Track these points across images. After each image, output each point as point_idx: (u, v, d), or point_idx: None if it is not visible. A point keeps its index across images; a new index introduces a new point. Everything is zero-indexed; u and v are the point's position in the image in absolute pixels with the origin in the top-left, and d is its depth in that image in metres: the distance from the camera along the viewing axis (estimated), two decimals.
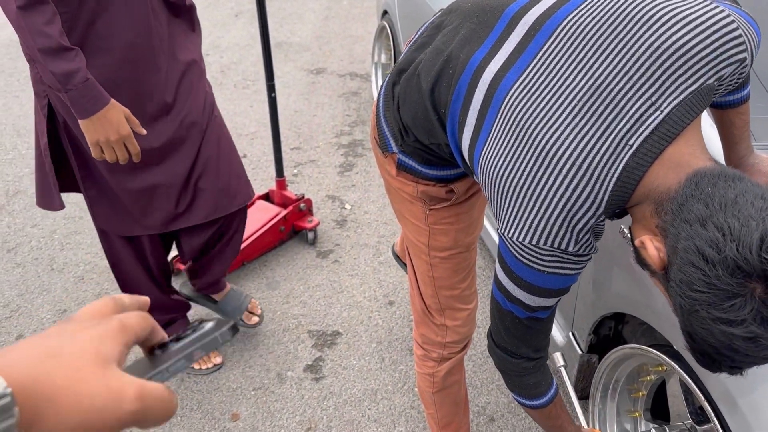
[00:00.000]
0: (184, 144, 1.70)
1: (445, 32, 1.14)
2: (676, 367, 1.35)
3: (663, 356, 1.39)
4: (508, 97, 0.97)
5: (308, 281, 2.52)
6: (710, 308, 0.76)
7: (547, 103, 0.93)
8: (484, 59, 1.03)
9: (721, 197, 0.78)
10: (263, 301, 2.40)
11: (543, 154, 0.92)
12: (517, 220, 0.96)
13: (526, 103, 0.95)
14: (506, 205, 0.98)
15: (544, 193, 0.92)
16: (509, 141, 0.96)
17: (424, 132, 1.17)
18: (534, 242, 0.95)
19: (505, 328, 1.11)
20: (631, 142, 0.88)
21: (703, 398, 1.27)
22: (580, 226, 0.93)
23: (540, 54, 0.96)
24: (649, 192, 0.88)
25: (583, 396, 1.82)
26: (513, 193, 0.96)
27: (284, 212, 2.67)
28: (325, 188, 3.12)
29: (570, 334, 1.80)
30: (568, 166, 0.90)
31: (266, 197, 2.78)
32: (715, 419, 1.25)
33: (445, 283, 1.39)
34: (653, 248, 0.85)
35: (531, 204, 0.94)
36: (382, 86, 1.33)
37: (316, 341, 2.23)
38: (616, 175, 0.89)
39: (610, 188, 0.90)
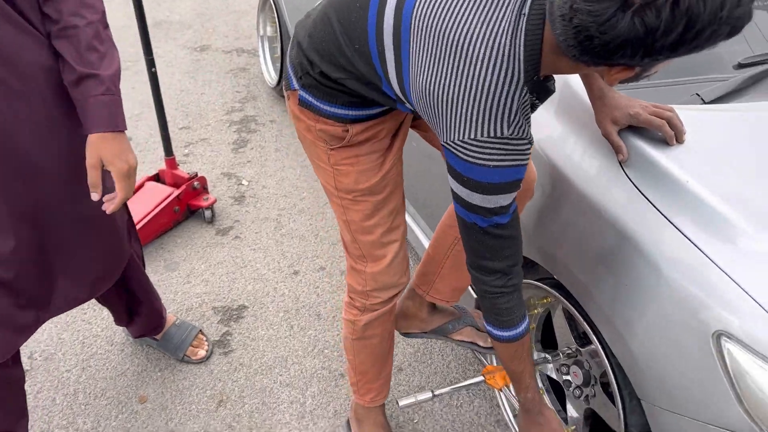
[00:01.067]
0: None
1: None
2: (560, 296, 1.46)
3: (548, 288, 1.50)
4: (414, 19, 1.05)
5: (209, 259, 2.48)
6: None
7: (446, 7, 1.02)
8: None
9: None
10: (162, 284, 2.35)
11: (458, 51, 1.00)
12: (454, 122, 1.03)
13: (429, 15, 1.04)
14: (442, 114, 1.04)
15: (470, 85, 1.00)
16: (427, 56, 1.04)
17: (334, 67, 1.22)
18: (473, 136, 1.01)
19: (473, 243, 1.16)
20: (524, 11, 0.98)
21: (584, 323, 1.40)
22: (509, 105, 1.00)
23: None
24: (553, 46, 0.97)
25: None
26: (445, 100, 1.03)
27: (177, 192, 2.60)
28: (219, 166, 3.06)
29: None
30: (482, 52, 0.98)
31: (156, 178, 2.70)
32: (596, 340, 1.37)
33: (359, 226, 1.42)
34: (615, 71, 0.93)
35: (462, 101, 1.01)
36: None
37: (222, 317, 2.21)
38: (522, 43, 0.98)
39: (522, 57, 0.98)
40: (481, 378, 1.54)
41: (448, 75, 1.02)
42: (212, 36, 4.48)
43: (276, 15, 3.35)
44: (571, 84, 1.43)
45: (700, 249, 1.14)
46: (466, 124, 1.02)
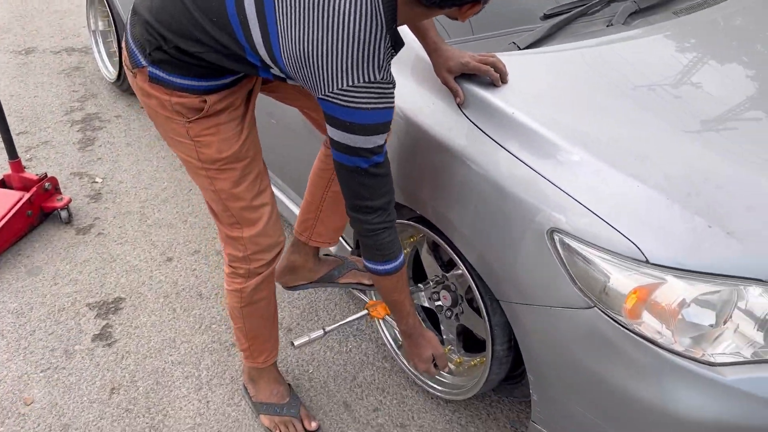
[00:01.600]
0: None
1: None
2: (426, 230, 1.65)
3: (416, 224, 1.69)
4: None
5: (74, 259, 2.41)
6: None
7: None
8: None
9: None
10: (27, 289, 2.25)
11: (324, 7, 1.12)
12: (330, 75, 1.14)
13: None
14: (318, 69, 1.15)
15: (340, 37, 1.12)
16: (295, 18, 1.14)
17: (191, 42, 1.26)
18: (350, 83, 1.14)
19: (355, 186, 1.26)
20: None
21: (449, 248, 1.60)
22: (377, 51, 1.14)
23: None
24: None
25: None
26: (318, 55, 1.13)
27: (28, 195, 2.49)
28: (68, 167, 2.94)
29: (340, 237, 2.04)
30: (347, 5, 1.11)
31: (2, 184, 2.55)
32: (459, 261, 1.58)
33: (230, 194, 1.48)
34: (466, 8, 1.12)
35: (335, 52, 1.12)
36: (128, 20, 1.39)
37: (98, 311, 2.18)
38: None
39: (381, 7, 1.12)
40: (365, 312, 1.70)
41: (319, 31, 1.13)
42: (36, 38, 4.21)
43: (108, 8, 3.25)
44: (412, 46, 1.60)
45: (529, 166, 1.38)
46: (341, 73, 1.14)
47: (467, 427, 1.78)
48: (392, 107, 1.22)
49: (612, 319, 1.28)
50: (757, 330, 1.25)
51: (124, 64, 1.44)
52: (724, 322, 1.26)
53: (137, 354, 2.03)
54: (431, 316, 1.95)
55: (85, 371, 1.96)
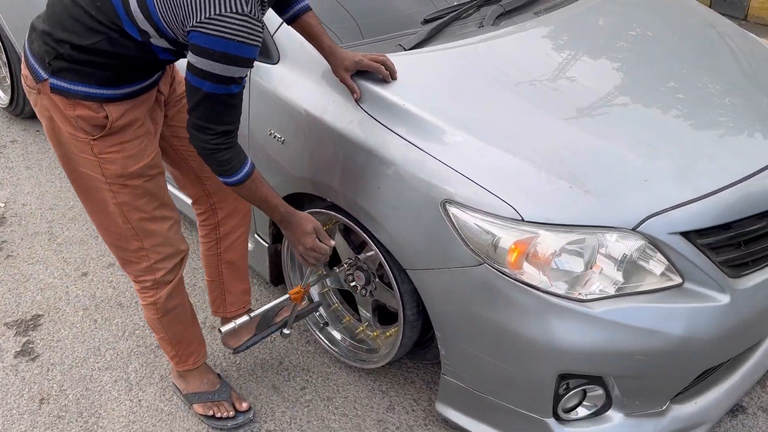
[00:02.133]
0: None
1: None
2: (339, 215, 1.82)
3: (329, 212, 1.85)
4: None
5: None
6: None
7: None
8: None
9: None
10: None
11: None
12: (200, 4, 1.26)
13: None
14: (188, 2, 1.26)
15: None
16: None
17: (85, 33, 1.37)
18: (218, 12, 1.25)
19: (204, 110, 1.35)
20: None
21: (360, 230, 1.77)
22: None
23: None
24: None
25: (280, 281, 2.22)
26: None
27: None
28: None
29: (255, 235, 2.18)
30: None
31: None
32: (372, 243, 1.76)
33: (132, 207, 1.56)
34: None
35: None
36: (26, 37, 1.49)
37: (17, 330, 2.19)
38: None
39: None
40: (287, 296, 1.84)
41: None
42: None
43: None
44: (310, 51, 1.76)
45: (420, 148, 1.59)
46: (210, 2, 1.25)
47: (388, 392, 1.97)
48: (257, 45, 1.32)
49: (499, 271, 1.50)
50: (617, 270, 1.51)
51: (24, 85, 1.51)
52: (592, 267, 1.52)
53: (62, 365, 2.06)
54: (348, 298, 2.12)
55: (11, 386, 1.97)
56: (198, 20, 1.27)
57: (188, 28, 1.29)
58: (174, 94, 1.69)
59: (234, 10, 1.26)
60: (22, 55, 1.49)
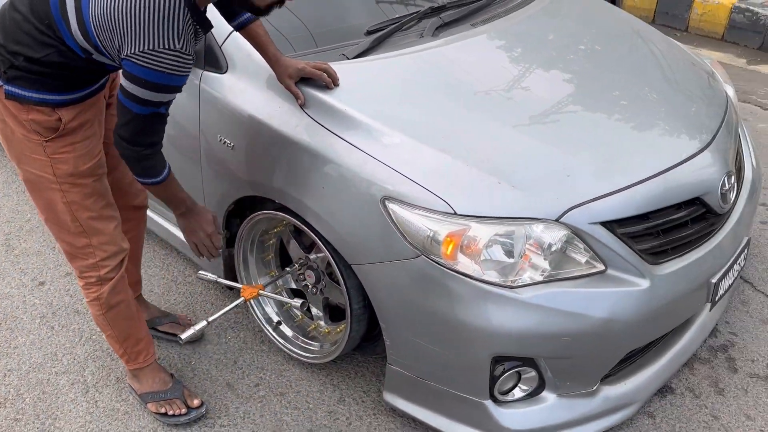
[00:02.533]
0: None
1: None
2: (288, 216, 1.90)
3: (279, 212, 1.93)
4: None
5: None
6: None
7: None
8: None
9: None
10: None
11: None
12: (132, 38, 1.35)
13: None
14: (123, 34, 1.36)
15: (141, 7, 1.34)
16: None
17: (36, 46, 1.47)
18: (148, 47, 1.35)
19: (133, 126, 1.46)
20: None
21: (308, 230, 1.86)
22: (176, 23, 1.36)
23: None
24: None
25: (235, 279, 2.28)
26: (120, 18, 1.36)
27: None
28: None
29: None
30: None
31: None
32: (321, 243, 1.84)
33: (81, 206, 1.65)
34: None
35: (137, 19, 1.34)
36: None
37: None
38: None
39: None
40: (242, 298, 1.91)
41: (123, 3, 1.35)
42: None
43: None
44: (257, 61, 1.86)
45: (361, 149, 1.69)
46: (142, 38, 1.36)
47: (339, 385, 2.05)
48: (186, 74, 1.44)
49: (436, 262, 1.61)
50: (544, 258, 1.63)
51: None
52: (522, 257, 1.63)
53: (19, 370, 2.09)
54: (300, 297, 2.19)
55: None
56: (131, 51, 1.37)
57: (122, 56, 1.40)
58: (113, 97, 1.76)
59: (166, 47, 1.37)
60: None
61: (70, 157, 1.59)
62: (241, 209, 2.07)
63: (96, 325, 2.24)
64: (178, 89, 1.46)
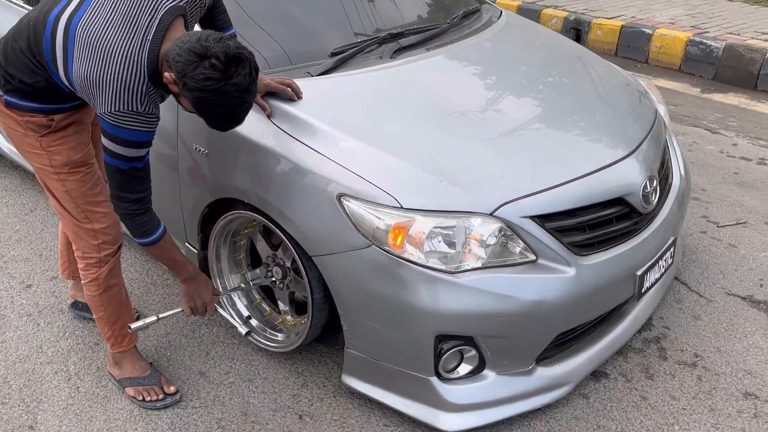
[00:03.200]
0: None
1: (30, 11, 1.73)
2: (256, 215, 2.10)
3: (247, 212, 2.13)
4: (79, 28, 1.61)
5: None
6: (190, 78, 1.51)
7: (101, 23, 1.60)
8: (58, 13, 1.65)
9: (182, 36, 1.56)
10: None
11: (104, 52, 1.58)
12: (103, 100, 1.58)
13: (88, 27, 1.61)
14: (96, 94, 1.59)
15: (110, 76, 1.57)
16: (84, 54, 1.60)
17: (28, 74, 1.72)
18: (116, 109, 1.58)
19: (117, 182, 1.68)
20: (148, 36, 1.60)
21: (273, 226, 2.06)
22: (138, 92, 1.59)
23: (93, 2, 1.64)
24: (163, 56, 1.60)
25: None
26: (95, 85, 1.58)
27: None
28: None
29: (186, 244, 2.44)
30: (119, 55, 1.57)
31: None
32: (284, 238, 2.04)
33: (79, 192, 1.88)
34: (169, 76, 1.57)
35: (107, 85, 1.57)
36: None
37: None
38: (146, 54, 1.59)
39: (145, 62, 1.59)
40: (180, 309, 2.08)
41: (96, 66, 1.59)
42: None
43: None
44: None
45: (320, 153, 1.90)
46: (110, 101, 1.59)
47: (303, 373, 2.22)
48: (151, 131, 1.66)
49: (384, 251, 1.81)
50: (480, 247, 1.84)
51: None
52: (464, 248, 1.84)
53: (6, 361, 2.25)
54: (268, 293, 2.38)
55: None
56: (103, 110, 1.60)
57: (97, 112, 1.62)
58: None
59: (130, 109, 1.60)
60: None
61: (63, 148, 1.82)
62: (216, 214, 2.27)
63: (86, 326, 2.42)
64: (147, 144, 1.67)
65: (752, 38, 5.26)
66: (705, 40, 5.24)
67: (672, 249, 2.28)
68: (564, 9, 6.27)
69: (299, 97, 2.04)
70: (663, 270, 2.24)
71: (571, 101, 2.31)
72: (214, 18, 1.93)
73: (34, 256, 2.85)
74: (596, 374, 2.20)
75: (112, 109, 1.58)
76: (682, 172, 2.50)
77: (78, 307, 2.43)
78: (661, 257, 2.19)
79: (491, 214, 1.83)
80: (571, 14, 6.09)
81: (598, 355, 2.14)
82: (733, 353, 2.30)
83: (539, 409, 2.03)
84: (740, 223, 3.11)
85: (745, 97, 4.83)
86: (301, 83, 2.08)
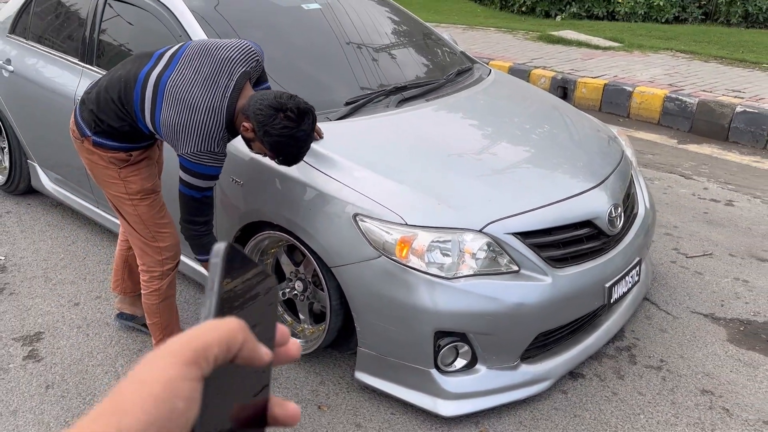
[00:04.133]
0: None
1: (114, 69, 2.12)
2: (285, 235, 2.49)
3: (277, 232, 2.53)
4: (167, 85, 2.02)
5: None
6: (270, 127, 1.92)
7: (186, 82, 2.03)
8: (147, 71, 2.04)
9: (259, 95, 1.97)
10: None
11: (189, 104, 2.00)
12: (187, 142, 1.99)
13: (176, 84, 2.03)
14: (180, 138, 2.00)
15: (195, 124, 1.99)
16: (172, 105, 2.01)
17: (116, 120, 2.12)
18: (198, 150, 1.99)
19: (190, 208, 2.09)
20: (227, 93, 2.02)
21: (300, 245, 2.45)
22: (215, 136, 2.00)
23: (179, 64, 2.05)
24: (240, 110, 2.02)
25: None
26: (181, 130, 1.99)
27: None
28: None
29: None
30: (203, 107, 1.99)
31: None
32: (309, 254, 2.42)
33: (149, 215, 2.28)
34: (248, 125, 1.98)
35: (191, 131, 1.99)
36: (78, 101, 2.21)
37: (23, 342, 2.72)
38: (226, 107, 2.01)
39: (224, 114, 2.01)
40: None
41: (185, 117, 2.00)
42: None
43: (3, 128, 3.88)
44: None
45: (338, 181, 2.31)
46: (194, 144, 2.01)
47: (321, 373, 2.56)
48: (221, 167, 2.08)
49: (392, 260, 2.19)
50: (472, 259, 2.22)
51: (72, 134, 2.23)
52: (458, 258, 2.22)
53: (62, 363, 2.60)
54: (289, 305, 2.74)
55: (21, 378, 2.49)
56: (184, 151, 2.02)
57: (177, 153, 2.04)
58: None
59: (207, 150, 2.02)
60: (73, 113, 2.23)
61: (138, 178, 2.23)
62: (247, 236, 2.66)
63: (130, 335, 2.78)
64: (217, 177, 2.10)
65: (723, 95, 5.76)
66: (680, 97, 5.74)
67: (638, 268, 2.66)
68: (552, 69, 6.83)
69: (321, 137, 2.47)
70: (630, 285, 2.61)
71: (549, 143, 2.74)
72: (260, 78, 2.38)
73: (79, 279, 3.23)
74: (574, 374, 2.54)
75: (195, 150, 1.99)
76: (648, 205, 2.90)
77: (123, 317, 2.79)
78: (627, 273, 2.57)
79: (480, 231, 2.23)
80: (558, 74, 6.64)
81: (575, 357, 2.49)
82: (694, 359, 2.64)
83: (524, 400, 2.36)
84: (706, 255, 3.50)
85: (718, 148, 5.29)
86: (323, 126, 2.51)
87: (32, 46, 3.56)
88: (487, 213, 2.27)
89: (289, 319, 2.71)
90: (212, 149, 2.01)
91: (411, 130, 2.67)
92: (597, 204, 2.47)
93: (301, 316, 2.68)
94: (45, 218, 3.86)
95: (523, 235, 2.28)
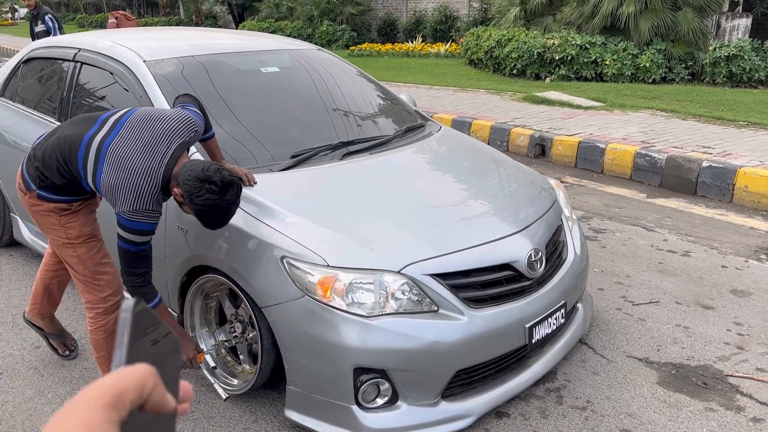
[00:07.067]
0: None
1: (61, 129, 2.36)
2: (223, 278, 2.65)
3: (218, 276, 2.69)
4: (109, 149, 2.25)
5: None
6: (195, 197, 2.11)
7: (127, 147, 2.24)
8: (91, 136, 2.28)
9: (189, 165, 2.17)
10: None
11: (129, 168, 2.21)
12: (125, 202, 2.19)
13: (117, 149, 2.24)
14: (118, 198, 2.20)
15: (133, 185, 2.19)
16: (113, 168, 2.23)
17: (59, 177, 2.34)
18: (134, 209, 2.19)
19: (128, 261, 2.26)
20: (164, 161, 2.23)
21: (235, 287, 2.60)
22: (150, 197, 2.20)
23: (122, 130, 2.27)
24: (174, 175, 2.22)
25: None
26: (120, 191, 2.20)
27: None
28: None
29: (169, 309, 2.97)
30: (141, 172, 2.20)
31: None
32: (242, 296, 2.58)
33: (89, 256, 2.46)
34: (178, 191, 2.18)
35: (129, 192, 2.19)
36: (25, 157, 2.43)
37: None
38: (162, 173, 2.21)
39: (160, 178, 2.21)
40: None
41: (124, 179, 2.21)
42: None
43: None
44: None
45: (270, 226, 2.49)
46: (131, 203, 2.20)
47: (255, 411, 2.66)
48: (156, 223, 2.28)
49: (315, 300, 2.34)
50: (393, 299, 2.36)
51: (17, 187, 2.46)
52: (379, 298, 2.36)
53: (14, 402, 2.72)
54: (233, 347, 2.87)
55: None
56: (122, 209, 2.24)
57: (115, 210, 2.26)
58: None
59: (142, 208, 2.23)
60: (20, 167, 2.45)
61: (76, 224, 2.43)
62: (191, 281, 2.82)
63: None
64: (152, 232, 2.30)
65: (692, 151, 5.94)
66: (650, 153, 5.92)
67: (562, 311, 2.77)
68: (531, 128, 7.07)
69: (252, 184, 2.66)
70: (554, 326, 2.72)
71: (477, 191, 2.92)
72: (206, 127, 2.61)
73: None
74: (499, 413, 2.62)
75: (131, 209, 2.20)
76: (578, 252, 3.03)
77: (31, 324, 2.97)
78: (550, 315, 2.68)
79: (398, 272, 2.37)
80: (536, 132, 6.88)
81: (500, 396, 2.57)
82: (620, 400, 2.71)
83: None
84: (653, 302, 3.59)
85: (685, 201, 5.42)
86: (264, 177, 2.71)
87: (17, 107, 3.86)
88: (407, 255, 2.42)
89: (230, 360, 2.84)
90: (147, 208, 2.22)
91: (348, 181, 2.86)
92: (515, 249, 2.61)
93: (241, 357, 2.80)
94: (24, 268, 4.06)
95: (442, 276, 2.42)
